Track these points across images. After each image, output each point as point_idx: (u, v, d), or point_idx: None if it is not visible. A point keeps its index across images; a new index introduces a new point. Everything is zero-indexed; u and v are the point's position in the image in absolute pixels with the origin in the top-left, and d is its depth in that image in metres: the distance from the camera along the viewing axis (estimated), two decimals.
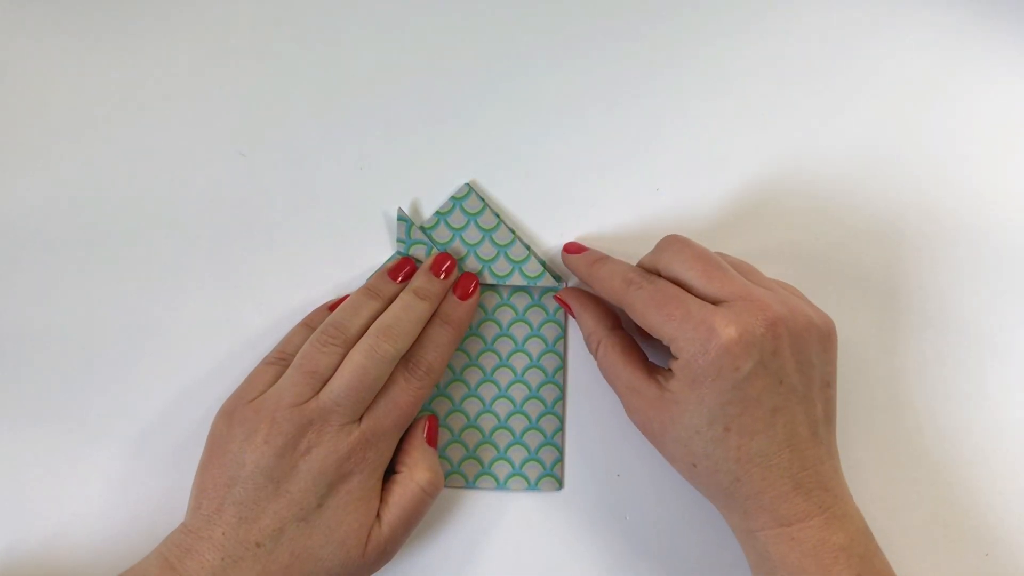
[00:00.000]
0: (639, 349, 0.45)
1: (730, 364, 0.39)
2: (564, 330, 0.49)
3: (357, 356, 0.43)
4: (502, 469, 0.48)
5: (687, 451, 0.41)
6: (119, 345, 0.48)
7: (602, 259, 0.46)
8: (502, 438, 0.48)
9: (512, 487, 0.48)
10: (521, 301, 0.49)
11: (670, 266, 0.43)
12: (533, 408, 0.48)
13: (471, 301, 0.47)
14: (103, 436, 0.48)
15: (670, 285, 0.42)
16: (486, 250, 0.49)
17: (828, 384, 0.42)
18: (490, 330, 0.49)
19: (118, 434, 0.48)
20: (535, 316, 0.49)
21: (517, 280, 0.48)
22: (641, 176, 0.49)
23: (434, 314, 0.46)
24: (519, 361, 0.49)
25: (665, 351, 0.42)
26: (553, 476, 0.48)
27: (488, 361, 0.49)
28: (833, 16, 0.50)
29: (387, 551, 0.43)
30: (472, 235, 0.49)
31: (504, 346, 0.49)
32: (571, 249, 0.48)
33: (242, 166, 0.50)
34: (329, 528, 0.41)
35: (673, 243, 0.43)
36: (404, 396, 0.44)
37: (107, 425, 0.48)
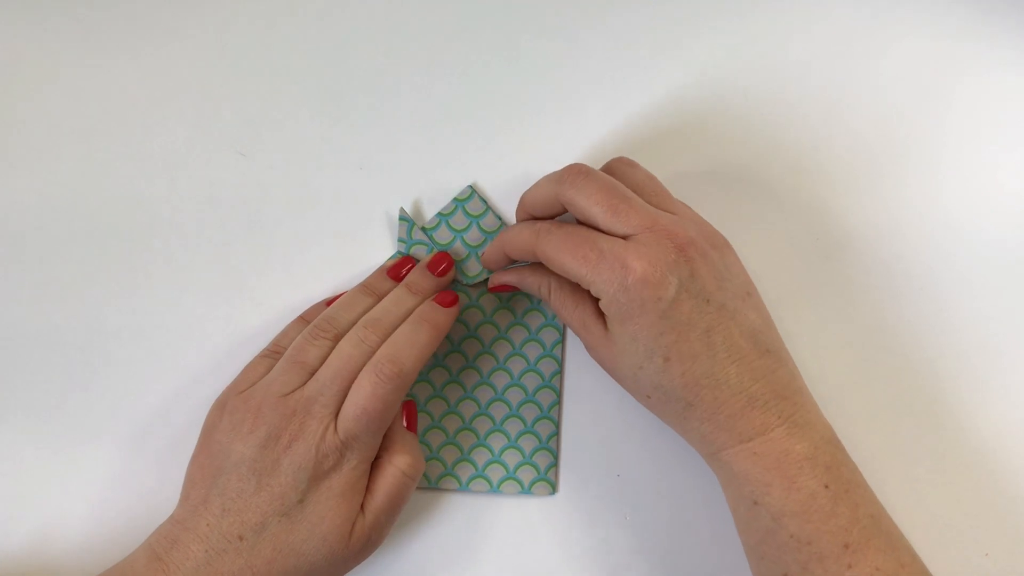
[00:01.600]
0: (582, 290, 0.44)
1: (652, 295, 0.39)
2: (562, 335, 0.49)
3: (345, 346, 0.43)
4: (496, 472, 0.48)
5: (637, 385, 0.42)
6: (118, 344, 0.48)
7: (505, 230, 0.46)
8: (497, 441, 0.48)
9: (505, 491, 0.48)
10: (520, 305, 0.49)
11: (574, 202, 0.42)
12: (529, 412, 0.48)
13: (451, 310, 0.46)
14: (101, 434, 0.48)
15: (579, 227, 0.42)
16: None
17: (749, 293, 0.42)
18: (488, 333, 0.49)
19: (116, 432, 0.48)
20: (533, 320, 0.49)
21: None
22: None
23: (413, 313, 0.45)
24: (516, 364, 0.48)
25: None
26: (547, 480, 0.48)
27: (485, 364, 0.49)
28: (833, 16, 0.50)
29: (372, 540, 0.43)
30: (474, 237, 0.49)
31: (501, 349, 0.49)
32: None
33: (242, 166, 0.50)
34: (311, 524, 0.41)
35: (576, 177, 0.42)
36: (374, 398, 0.42)
37: (106, 424, 0.48)
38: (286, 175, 0.50)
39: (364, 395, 0.42)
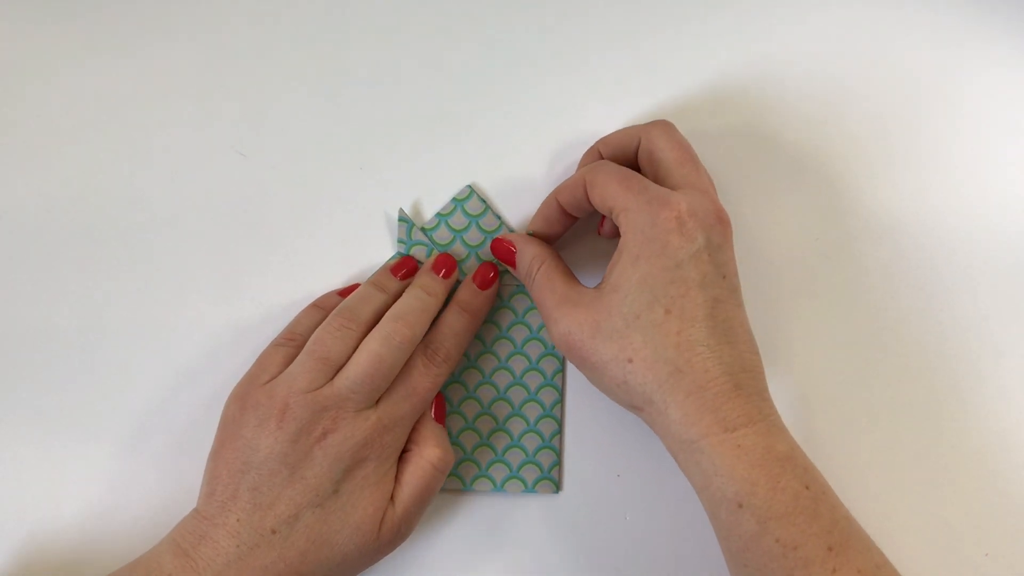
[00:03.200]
0: (575, 276, 0.45)
1: (677, 239, 0.39)
2: None
3: (373, 343, 0.43)
4: (499, 472, 0.48)
5: (622, 344, 0.40)
6: (119, 345, 0.48)
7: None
8: (500, 440, 0.48)
9: (509, 490, 0.48)
10: (521, 304, 0.49)
11: (654, 140, 0.43)
12: (531, 411, 0.48)
13: (490, 291, 0.47)
14: (101, 434, 0.48)
15: (633, 172, 0.42)
16: (488, 252, 0.49)
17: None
18: (489, 332, 0.49)
19: (118, 432, 0.48)
20: (534, 319, 0.49)
21: (518, 283, 0.49)
22: None
23: (452, 301, 0.46)
24: (518, 364, 0.48)
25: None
26: (550, 479, 0.48)
27: (487, 363, 0.49)
28: (833, 15, 0.50)
29: (401, 531, 0.43)
30: (473, 237, 0.49)
31: (503, 348, 0.49)
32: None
33: (242, 166, 0.50)
34: (344, 513, 0.41)
35: (665, 124, 0.44)
36: (423, 382, 0.44)
37: (105, 423, 0.48)
38: (286, 175, 0.50)
39: (413, 382, 0.43)
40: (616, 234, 0.43)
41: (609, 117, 0.50)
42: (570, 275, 0.44)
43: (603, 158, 0.46)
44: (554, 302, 0.43)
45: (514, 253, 0.46)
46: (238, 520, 0.40)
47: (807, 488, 0.38)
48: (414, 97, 0.50)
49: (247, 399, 0.42)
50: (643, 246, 0.40)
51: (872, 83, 0.50)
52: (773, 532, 0.37)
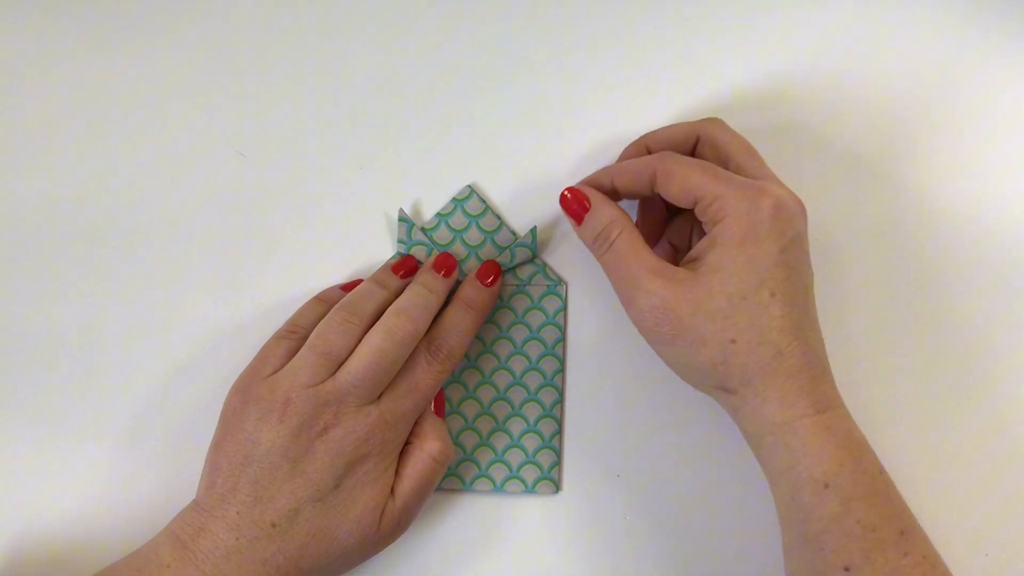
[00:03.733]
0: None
1: (781, 225, 0.40)
2: (563, 333, 0.49)
3: (375, 338, 0.43)
4: (499, 472, 0.48)
5: (726, 325, 0.40)
6: (119, 343, 0.48)
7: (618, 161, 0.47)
8: (500, 441, 0.48)
9: (509, 490, 0.48)
10: (521, 304, 0.49)
11: (717, 135, 0.44)
12: (531, 411, 0.48)
13: (494, 288, 0.47)
14: (101, 433, 0.48)
15: (710, 163, 0.42)
16: (488, 252, 0.49)
17: None
18: (489, 332, 0.49)
19: (117, 428, 0.48)
20: (534, 319, 0.49)
21: (517, 283, 0.49)
22: None
23: (456, 298, 0.46)
24: (518, 364, 0.48)
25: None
26: (550, 479, 0.48)
27: (487, 363, 0.49)
28: (833, 15, 0.50)
29: (401, 524, 0.43)
30: (473, 237, 0.49)
31: (503, 348, 0.49)
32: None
33: (242, 166, 0.50)
34: (345, 508, 0.41)
35: (719, 121, 0.45)
36: (425, 379, 0.44)
37: (105, 423, 0.48)
38: (286, 175, 0.50)
39: (416, 378, 0.43)
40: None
41: (609, 116, 0.50)
42: (648, 242, 0.44)
43: (651, 152, 0.46)
44: (644, 271, 0.41)
45: (587, 210, 0.44)
46: (238, 513, 0.40)
47: (882, 472, 0.39)
48: (414, 97, 0.50)
49: (249, 392, 0.42)
50: (748, 230, 0.40)
51: (872, 83, 0.50)
52: (855, 512, 0.38)
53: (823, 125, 0.50)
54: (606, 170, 0.45)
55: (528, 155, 0.50)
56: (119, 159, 0.50)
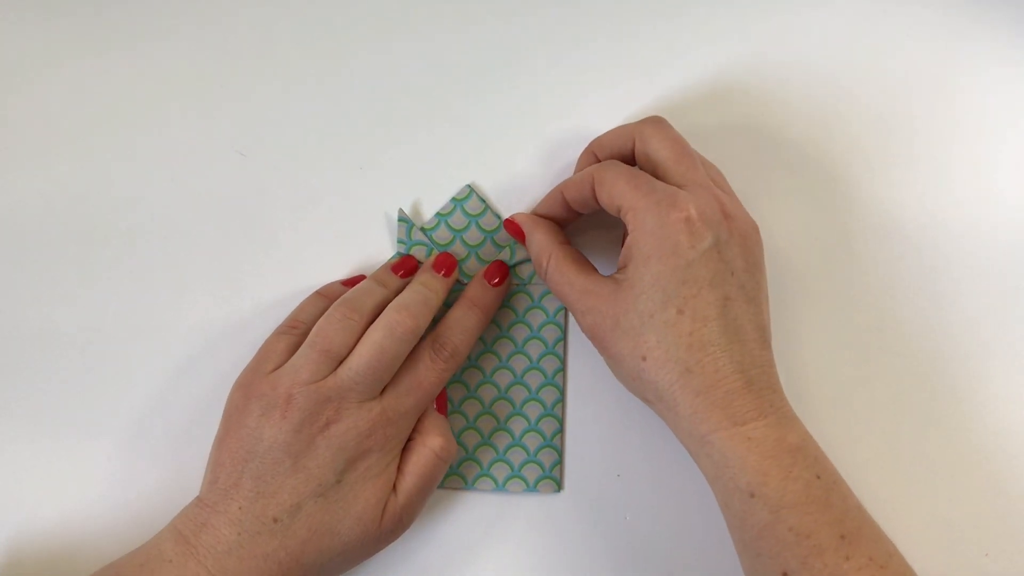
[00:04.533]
0: (588, 261, 0.45)
1: (687, 240, 0.40)
2: (564, 332, 0.49)
3: (376, 334, 0.43)
4: (501, 471, 0.48)
5: (637, 342, 0.40)
6: (119, 343, 0.48)
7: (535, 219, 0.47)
8: (501, 440, 0.48)
9: (511, 489, 0.48)
10: (521, 303, 0.49)
11: (648, 140, 0.43)
12: (532, 410, 0.48)
13: (501, 288, 0.47)
14: (100, 433, 0.48)
15: (640, 171, 0.43)
16: (488, 251, 0.49)
17: (765, 294, 0.42)
18: (490, 332, 0.49)
19: (115, 431, 0.48)
20: (535, 318, 0.49)
21: (518, 282, 0.49)
22: None
23: (462, 297, 0.47)
24: (519, 363, 0.49)
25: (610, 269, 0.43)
26: (552, 478, 0.48)
27: (488, 363, 0.49)
28: (832, 15, 0.50)
29: (403, 521, 0.43)
30: (473, 236, 0.49)
31: (504, 348, 0.49)
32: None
33: (242, 166, 0.50)
34: (347, 503, 0.41)
35: (656, 122, 0.44)
36: (429, 376, 0.44)
37: (105, 423, 0.48)
38: (286, 175, 0.50)
39: (419, 375, 0.43)
40: None
41: (608, 116, 0.50)
42: (582, 262, 0.45)
43: (599, 160, 0.46)
44: (575, 296, 0.43)
45: (523, 235, 0.47)
46: (240, 508, 0.40)
47: (818, 477, 0.39)
48: (414, 97, 0.50)
49: (251, 388, 0.43)
50: (654, 246, 0.40)
51: (872, 83, 0.50)
52: (786, 520, 0.38)
53: (822, 125, 0.50)
54: (559, 186, 0.46)
55: (528, 155, 0.50)
56: (119, 159, 0.50)
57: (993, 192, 0.49)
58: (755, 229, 0.42)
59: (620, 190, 0.42)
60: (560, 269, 0.44)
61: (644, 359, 0.40)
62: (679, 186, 0.41)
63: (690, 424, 0.40)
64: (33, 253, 0.49)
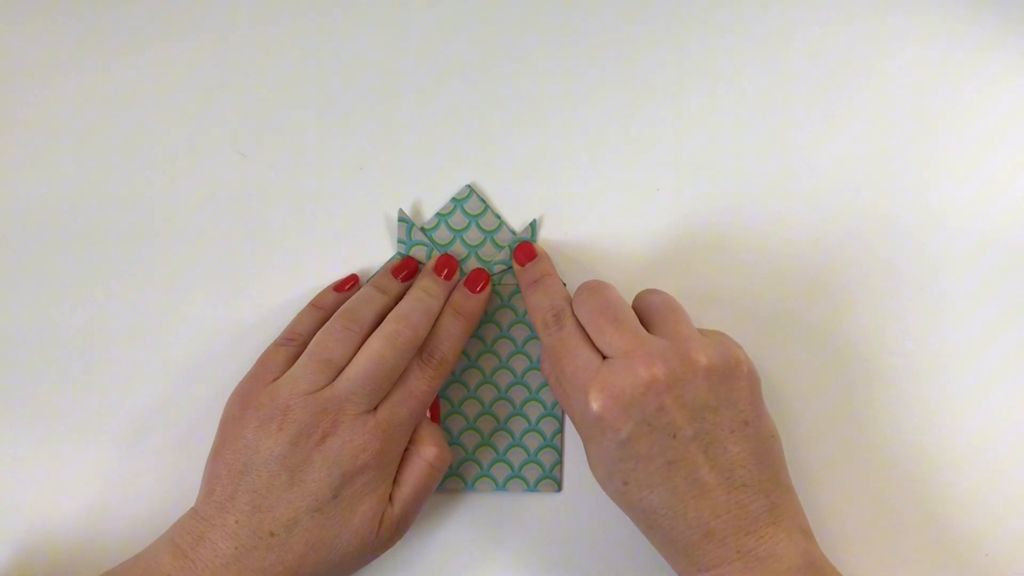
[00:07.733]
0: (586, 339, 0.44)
1: (609, 429, 0.40)
2: None
3: (376, 343, 0.43)
4: (501, 471, 0.48)
5: (606, 491, 0.42)
6: (119, 345, 0.48)
7: (537, 282, 0.46)
8: (501, 440, 0.48)
9: (511, 489, 0.48)
10: (521, 303, 0.49)
11: (577, 311, 0.44)
12: (532, 410, 0.48)
13: (483, 295, 0.47)
14: (100, 434, 0.48)
15: (573, 336, 0.42)
16: (488, 251, 0.49)
17: (746, 423, 0.40)
18: (490, 332, 0.49)
19: (115, 432, 0.48)
20: None
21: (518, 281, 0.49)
22: (641, 176, 0.49)
23: (447, 305, 0.46)
24: (518, 363, 0.49)
25: None
26: (552, 478, 0.48)
27: (487, 363, 0.49)
28: (832, 16, 0.50)
29: (399, 530, 0.43)
30: (473, 236, 0.49)
31: (504, 348, 0.49)
32: (520, 258, 0.48)
33: (242, 166, 0.50)
34: (343, 518, 0.41)
35: (585, 290, 0.44)
36: (419, 385, 0.44)
37: (105, 423, 0.48)
38: (286, 175, 0.50)
39: (410, 385, 0.43)
40: None
41: (609, 116, 0.50)
42: (584, 342, 0.43)
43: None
44: (586, 378, 0.41)
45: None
46: (236, 522, 0.40)
47: None
48: (414, 97, 0.50)
49: (249, 399, 0.42)
50: (584, 433, 0.41)
51: (872, 84, 0.50)
52: None
53: (821, 124, 0.50)
54: (530, 292, 0.46)
55: (528, 155, 0.50)
56: (119, 159, 0.49)
57: (993, 192, 0.49)
58: (702, 370, 0.40)
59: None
60: (573, 337, 0.43)
61: (619, 491, 0.42)
62: (604, 356, 0.41)
63: (665, 558, 0.42)
64: (33, 253, 0.49)
